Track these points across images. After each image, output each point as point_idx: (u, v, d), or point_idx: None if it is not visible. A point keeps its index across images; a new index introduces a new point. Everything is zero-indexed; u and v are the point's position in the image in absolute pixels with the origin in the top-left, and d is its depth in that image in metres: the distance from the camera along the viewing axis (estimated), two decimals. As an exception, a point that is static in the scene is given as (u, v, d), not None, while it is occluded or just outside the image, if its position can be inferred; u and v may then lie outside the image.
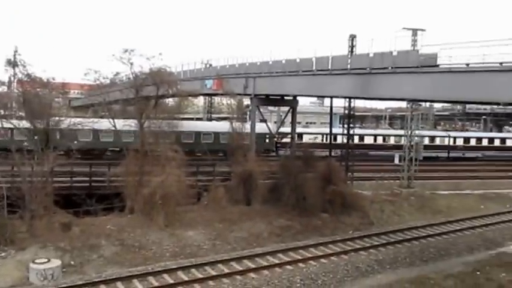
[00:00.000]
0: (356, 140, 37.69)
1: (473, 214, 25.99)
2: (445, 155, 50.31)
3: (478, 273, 17.69)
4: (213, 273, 16.69)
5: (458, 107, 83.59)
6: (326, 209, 23.95)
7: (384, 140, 48.03)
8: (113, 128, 26.87)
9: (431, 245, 20.85)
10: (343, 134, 30.97)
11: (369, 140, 47.74)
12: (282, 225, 22.11)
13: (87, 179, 23.57)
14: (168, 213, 20.19)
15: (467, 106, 79.83)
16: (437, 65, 18.70)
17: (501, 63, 16.21)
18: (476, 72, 17.17)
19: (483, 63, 16.82)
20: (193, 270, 16.88)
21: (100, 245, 18.14)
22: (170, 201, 20.18)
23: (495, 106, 71.94)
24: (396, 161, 38.96)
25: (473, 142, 51.86)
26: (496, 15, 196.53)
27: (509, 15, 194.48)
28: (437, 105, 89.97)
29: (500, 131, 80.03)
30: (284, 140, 37.91)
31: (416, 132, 34.50)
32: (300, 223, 22.40)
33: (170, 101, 25.75)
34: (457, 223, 24.38)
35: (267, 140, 36.71)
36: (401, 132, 46.13)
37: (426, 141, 48.95)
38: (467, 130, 79.76)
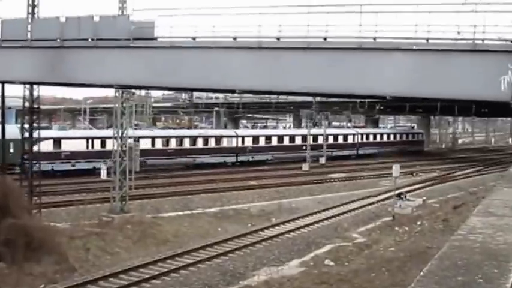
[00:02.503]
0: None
1: (208, 241, 29.67)
2: (233, 159, 60.07)
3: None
4: None
5: (184, 96, 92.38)
6: (2, 255, 23.57)
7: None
8: None
9: (157, 291, 22.92)
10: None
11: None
12: None
13: None
14: None
15: (195, 95, 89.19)
16: (155, 38, 20.90)
17: (234, 38, 19.50)
18: (207, 49, 20.11)
19: (215, 37, 19.80)
20: None
21: None
22: None
23: (229, 95, 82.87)
24: (103, 174, 40.86)
25: (262, 141, 64.66)
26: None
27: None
28: (156, 94, 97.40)
29: (237, 126, 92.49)
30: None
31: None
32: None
33: None
34: (188, 255, 27.37)
35: (12, 150, 36.57)
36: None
37: (213, 142, 59.54)
38: (195, 126, 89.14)
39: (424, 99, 35.31)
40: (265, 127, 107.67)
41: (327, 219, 36.02)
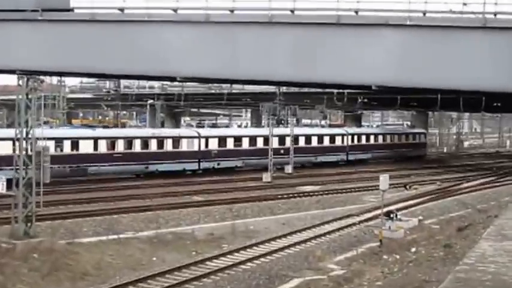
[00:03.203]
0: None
1: (140, 274, 29.48)
2: (194, 166, 61.26)
3: None
4: None
5: (109, 84, 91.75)
6: None
7: None
8: None
9: None
10: None
11: None
12: None
13: None
14: None
15: (123, 83, 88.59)
16: (71, 9, 20.82)
17: (175, 10, 19.50)
18: (139, 24, 20.07)
19: (149, 8, 19.75)
20: None
21: None
22: None
23: (168, 83, 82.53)
24: (2, 188, 40.29)
25: (230, 144, 65.95)
26: None
27: None
28: (72, 82, 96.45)
29: (178, 125, 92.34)
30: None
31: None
32: None
33: None
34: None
35: None
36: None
37: (169, 145, 60.83)
38: (123, 125, 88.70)
39: (420, 91, 35.78)
40: (214, 126, 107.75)
41: (294, 245, 36.13)
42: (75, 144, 54.48)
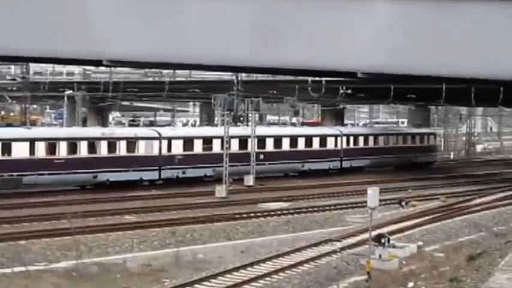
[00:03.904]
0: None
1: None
2: (153, 175, 62.75)
3: None
4: None
5: (14, 70, 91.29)
6: None
7: None
8: None
9: None
10: None
11: None
12: None
13: None
14: None
15: (33, 68, 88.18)
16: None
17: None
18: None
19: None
20: None
21: None
22: None
23: (91, 69, 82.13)
24: None
25: (198, 147, 67.17)
26: None
27: None
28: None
29: (104, 123, 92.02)
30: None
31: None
32: None
33: None
34: None
35: None
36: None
37: (123, 148, 61.96)
38: (34, 122, 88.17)
39: (420, 79, 35.95)
40: (151, 124, 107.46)
41: (256, 279, 36.19)
42: (6, 147, 54.14)
